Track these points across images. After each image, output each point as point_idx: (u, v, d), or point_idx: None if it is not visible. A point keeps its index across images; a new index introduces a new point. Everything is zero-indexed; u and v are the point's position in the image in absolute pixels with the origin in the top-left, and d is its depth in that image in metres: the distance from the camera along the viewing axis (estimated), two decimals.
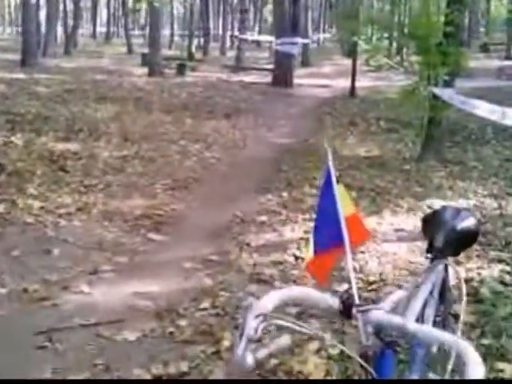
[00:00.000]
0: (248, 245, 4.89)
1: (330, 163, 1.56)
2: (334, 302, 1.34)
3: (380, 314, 1.32)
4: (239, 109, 13.74)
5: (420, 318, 1.60)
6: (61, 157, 8.10)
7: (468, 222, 1.87)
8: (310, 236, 1.63)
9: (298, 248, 4.81)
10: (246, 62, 25.39)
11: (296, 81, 18.90)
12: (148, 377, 2.90)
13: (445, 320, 1.87)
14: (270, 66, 20.64)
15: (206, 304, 3.73)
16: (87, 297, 3.89)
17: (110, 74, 19.11)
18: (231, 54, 31.74)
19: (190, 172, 7.82)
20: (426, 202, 6.41)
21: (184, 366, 2.98)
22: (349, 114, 13.37)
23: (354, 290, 1.36)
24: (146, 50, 22.71)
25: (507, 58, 30.28)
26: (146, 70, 19.95)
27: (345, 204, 1.56)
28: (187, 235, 5.26)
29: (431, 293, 1.71)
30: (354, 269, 4.39)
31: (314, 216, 1.66)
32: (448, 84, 9.00)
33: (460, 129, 11.17)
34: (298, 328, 1.30)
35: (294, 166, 8.21)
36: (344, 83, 18.20)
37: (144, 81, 17.74)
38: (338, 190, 1.55)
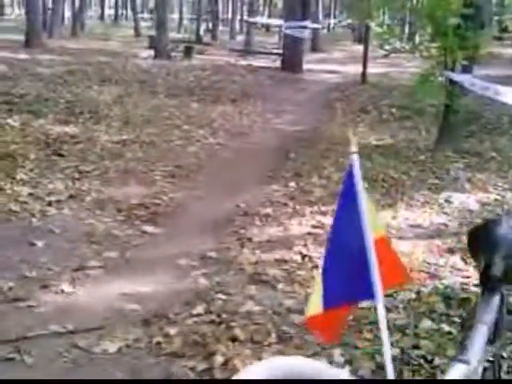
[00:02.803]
0: (250, 240, 4.47)
1: (355, 166, 1.06)
2: None
3: None
4: (247, 94, 13.26)
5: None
6: (57, 140, 7.69)
7: None
8: (318, 278, 1.11)
9: (305, 245, 4.38)
10: (255, 46, 24.83)
11: (305, 66, 18.37)
12: None
13: (497, 366, 1.43)
14: (280, 51, 20.11)
15: (199, 309, 3.31)
16: (68, 298, 3.48)
17: (116, 56, 18.62)
18: (240, 38, 31.14)
19: (192, 158, 7.40)
20: (444, 195, 5.98)
21: None
22: (360, 100, 12.88)
23: (390, 369, 0.91)
24: (153, 33, 22.19)
25: None
26: (152, 52, 19.45)
27: (371, 222, 1.07)
28: (185, 228, 4.84)
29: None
30: None
31: (325, 251, 1.12)
32: (466, 70, 8.52)
33: (475, 118, 10.67)
34: None
35: (303, 154, 7.77)
36: (355, 69, 17.67)
37: (150, 63, 17.25)
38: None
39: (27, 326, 3.08)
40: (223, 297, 3.47)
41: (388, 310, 3.37)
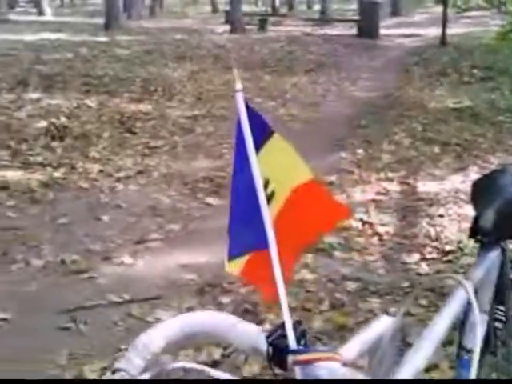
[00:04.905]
0: None
1: (240, 105, 0.93)
2: (261, 342, 0.85)
3: (334, 367, 0.78)
4: (321, 63, 13.08)
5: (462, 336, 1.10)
6: (131, 118, 7.86)
7: None
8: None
9: (367, 212, 4.29)
10: (332, 14, 24.39)
11: (383, 31, 17.89)
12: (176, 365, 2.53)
13: (507, 330, 1.33)
14: (356, 18, 19.66)
15: None
16: (128, 269, 3.57)
17: (192, 34, 18.79)
18: (318, 7, 30.67)
19: None
20: None
21: (217, 354, 2.60)
22: (439, 63, 12.41)
23: (289, 326, 0.85)
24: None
25: None
26: (227, 27, 19.51)
27: (289, 167, 0.97)
28: None
29: (476, 292, 1.18)
30: (429, 236, 3.85)
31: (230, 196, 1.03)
32: None
33: None
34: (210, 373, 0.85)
35: (374, 121, 7.60)
36: (435, 32, 17.04)
37: (225, 38, 17.30)
38: (271, 146, 0.95)
39: (86, 297, 3.19)
40: None
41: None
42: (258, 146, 0.90)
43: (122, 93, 9.55)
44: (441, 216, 4.17)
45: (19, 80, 10.27)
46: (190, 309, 3.05)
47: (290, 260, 0.93)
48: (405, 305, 1.08)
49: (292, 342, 0.81)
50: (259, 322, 2.86)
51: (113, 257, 3.71)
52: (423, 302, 2.96)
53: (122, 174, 5.49)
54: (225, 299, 3.12)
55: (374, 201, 4.55)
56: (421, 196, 4.65)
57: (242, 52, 14.49)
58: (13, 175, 5.38)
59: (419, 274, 3.29)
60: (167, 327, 0.84)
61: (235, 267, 0.95)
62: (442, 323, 1.00)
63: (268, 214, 0.86)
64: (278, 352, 0.81)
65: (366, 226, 4.03)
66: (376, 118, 7.79)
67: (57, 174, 5.40)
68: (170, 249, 3.89)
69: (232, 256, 0.94)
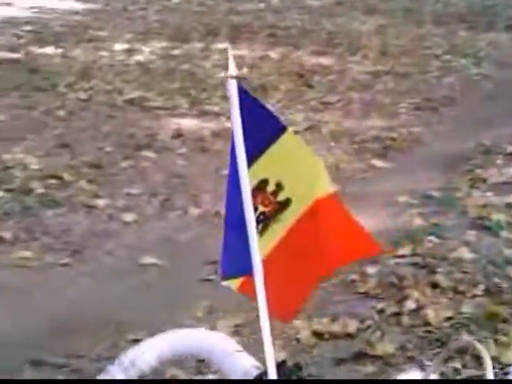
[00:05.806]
0: (484, 181, 4.07)
1: (233, 96, 0.73)
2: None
3: None
4: None
5: None
6: (310, 72, 7.78)
7: None
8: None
9: None
10: None
11: None
12: (306, 333, 2.46)
13: None
14: None
15: (405, 250, 3.12)
16: None
17: None
18: None
19: (446, 90, 6.94)
20: None
21: (352, 326, 2.47)
22: None
23: (272, 365, 0.69)
24: None
25: None
26: None
27: (307, 172, 0.77)
28: (415, 164, 4.59)
29: None
30: None
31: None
32: None
33: None
34: None
35: None
36: None
37: None
38: (283, 144, 0.75)
39: None
40: (435, 240, 3.22)
41: None
42: (267, 144, 0.75)
43: (306, 45, 9.46)
44: None
45: (210, 30, 10.60)
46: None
47: (303, 284, 0.80)
48: (437, 361, 0.88)
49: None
50: (403, 299, 2.70)
51: None
52: None
53: (290, 129, 5.44)
54: (370, 269, 2.96)
55: None
56: None
57: (437, 5, 13.67)
58: (189, 123, 5.58)
59: None
60: (158, 345, 0.75)
61: (231, 284, 0.84)
62: None
63: (256, 242, 0.72)
64: None
65: None
66: None
67: (228, 124, 5.49)
68: None
69: (226, 276, 0.83)
